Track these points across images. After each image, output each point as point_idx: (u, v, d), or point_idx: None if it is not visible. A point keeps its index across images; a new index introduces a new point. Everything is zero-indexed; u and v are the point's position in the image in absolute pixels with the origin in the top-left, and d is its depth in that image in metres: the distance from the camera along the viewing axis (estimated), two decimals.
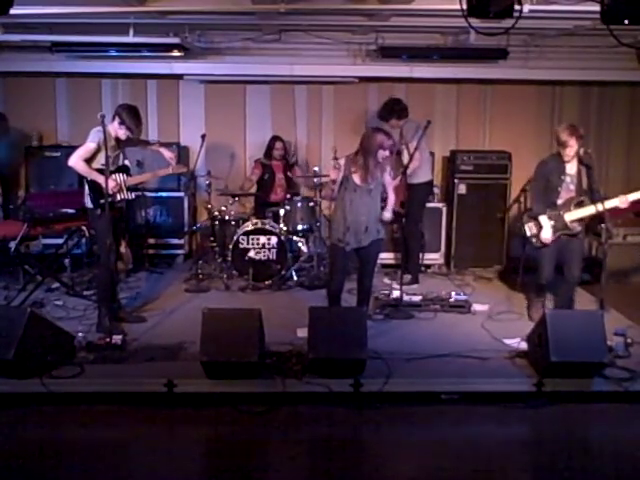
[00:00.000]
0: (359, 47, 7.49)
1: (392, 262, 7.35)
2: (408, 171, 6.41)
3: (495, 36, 4.92)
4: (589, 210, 5.32)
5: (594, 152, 5.53)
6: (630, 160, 8.19)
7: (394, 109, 6.70)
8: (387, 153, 5.11)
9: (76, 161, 5.16)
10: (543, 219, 5.40)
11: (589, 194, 5.37)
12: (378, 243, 5.34)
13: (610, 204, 5.21)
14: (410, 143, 6.44)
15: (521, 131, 7.96)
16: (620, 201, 5.20)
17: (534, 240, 5.49)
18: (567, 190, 5.41)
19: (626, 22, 4.04)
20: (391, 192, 5.33)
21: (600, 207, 5.21)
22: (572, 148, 5.25)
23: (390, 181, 5.29)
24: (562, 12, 5.53)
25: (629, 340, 4.91)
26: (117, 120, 5.26)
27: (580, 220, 5.38)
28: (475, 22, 4.35)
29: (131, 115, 5.26)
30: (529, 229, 5.51)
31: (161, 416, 4.21)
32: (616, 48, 5.98)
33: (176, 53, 7.06)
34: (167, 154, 5.76)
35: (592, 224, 7.40)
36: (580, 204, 5.35)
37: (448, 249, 7.57)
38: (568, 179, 5.39)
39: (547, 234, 5.37)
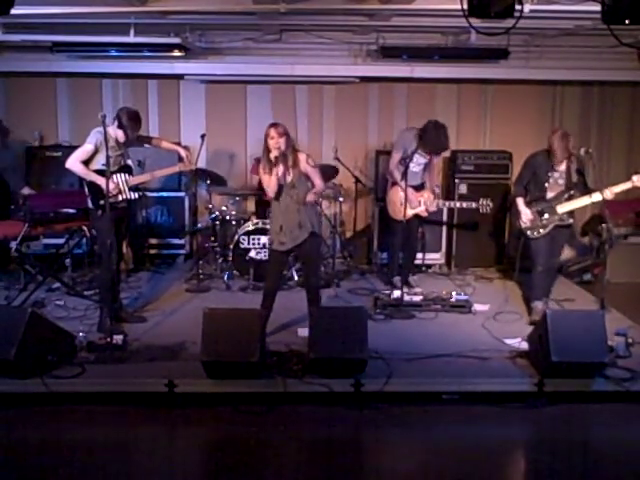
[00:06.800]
0: (360, 47, 7.49)
1: None
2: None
3: (496, 36, 4.93)
4: (580, 202, 5.62)
5: (595, 152, 5.53)
6: (631, 160, 8.16)
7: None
8: (276, 141, 4.90)
9: (73, 163, 5.16)
10: (519, 201, 5.71)
11: (580, 188, 5.63)
12: (314, 239, 5.17)
13: (597, 197, 5.52)
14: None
15: (522, 131, 7.95)
16: (606, 194, 5.45)
17: (529, 232, 5.70)
18: (556, 185, 5.66)
19: (627, 22, 4.05)
20: (316, 178, 5.09)
21: (589, 199, 5.57)
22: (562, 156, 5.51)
23: (311, 169, 5.07)
24: (563, 12, 5.54)
25: (630, 340, 4.90)
26: (116, 123, 5.25)
27: (571, 212, 5.67)
28: (476, 22, 4.36)
29: (129, 120, 5.23)
30: (523, 223, 5.72)
31: (162, 416, 4.21)
32: (617, 48, 5.99)
33: (177, 53, 7.06)
34: (183, 153, 5.75)
35: (593, 224, 7.45)
36: (571, 197, 5.62)
37: (449, 249, 7.57)
38: (556, 174, 5.64)
39: (526, 215, 5.64)
